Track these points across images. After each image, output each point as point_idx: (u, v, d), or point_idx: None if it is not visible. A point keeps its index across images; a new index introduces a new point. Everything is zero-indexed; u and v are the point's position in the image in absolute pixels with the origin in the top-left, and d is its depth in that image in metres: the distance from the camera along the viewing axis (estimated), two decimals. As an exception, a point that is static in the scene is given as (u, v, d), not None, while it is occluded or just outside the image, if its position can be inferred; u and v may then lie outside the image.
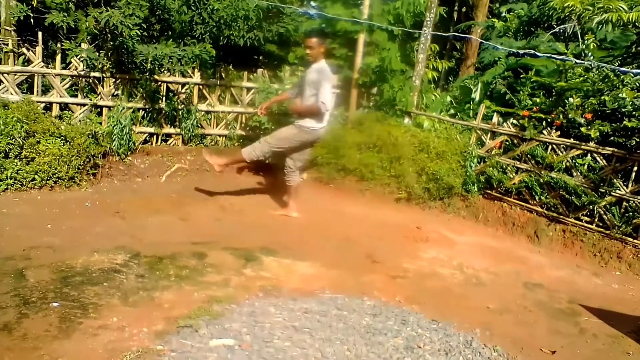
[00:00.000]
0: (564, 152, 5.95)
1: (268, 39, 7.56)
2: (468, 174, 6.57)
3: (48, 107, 6.27)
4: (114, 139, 6.32)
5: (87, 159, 5.82)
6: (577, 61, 6.55)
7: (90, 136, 5.91)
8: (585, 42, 7.55)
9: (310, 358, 2.93)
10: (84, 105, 6.44)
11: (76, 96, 6.47)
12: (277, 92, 6.93)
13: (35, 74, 6.18)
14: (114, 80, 6.57)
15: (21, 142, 5.34)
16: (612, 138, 5.66)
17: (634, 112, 5.58)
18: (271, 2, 7.12)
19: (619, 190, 5.49)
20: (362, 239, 5.22)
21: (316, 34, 5.40)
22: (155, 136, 7.04)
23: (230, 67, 7.39)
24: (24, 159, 5.38)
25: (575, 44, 8.10)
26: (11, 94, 5.98)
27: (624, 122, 5.54)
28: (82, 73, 6.35)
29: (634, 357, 3.55)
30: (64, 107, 6.41)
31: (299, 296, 3.73)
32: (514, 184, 6.28)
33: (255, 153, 5.32)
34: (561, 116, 6.19)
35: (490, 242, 5.81)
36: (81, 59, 6.27)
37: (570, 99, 6.23)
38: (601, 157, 5.66)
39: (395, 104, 7.61)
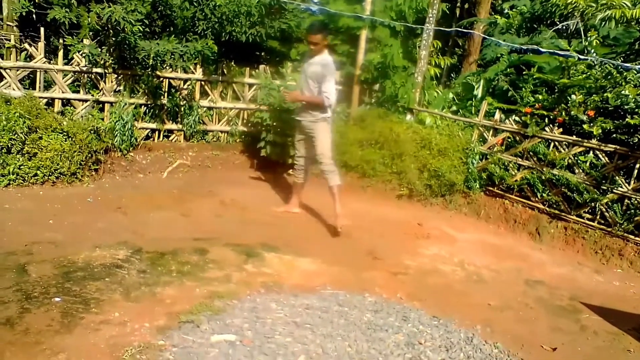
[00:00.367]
0: (566, 149, 5.94)
1: (270, 35, 7.55)
2: (470, 170, 6.57)
3: (50, 102, 6.28)
4: (116, 135, 6.32)
5: (89, 155, 5.83)
6: (581, 57, 6.53)
7: (92, 132, 5.92)
8: (588, 38, 7.53)
9: (311, 354, 2.94)
10: (86, 101, 6.44)
11: (78, 92, 6.47)
12: (279, 88, 6.91)
13: (38, 70, 6.18)
14: (116, 76, 6.56)
15: (23, 138, 5.35)
16: (614, 135, 5.65)
17: (636, 109, 5.56)
18: (273, -2, 7.12)
19: (621, 187, 5.48)
20: (363, 235, 5.22)
21: (318, 28, 5.34)
22: (157, 132, 7.04)
23: (232, 63, 7.38)
24: (26, 155, 5.38)
25: (578, 40, 8.07)
26: (13, 89, 5.99)
27: (627, 119, 5.53)
28: (84, 69, 6.35)
29: (634, 355, 3.56)
30: (66, 102, 6.41)
31: (301, 292, 3.74)
32: (516, 180, 6.27)
33: (335, 169, 5.23)
34: (563, 113, 6.17)
35: (491, 239, 5.81)
36: (83, 55, 6.27)
37: (573, 96, 6.22)
38: (603, 155, 5.65)
39: (397, 100, 7.61)
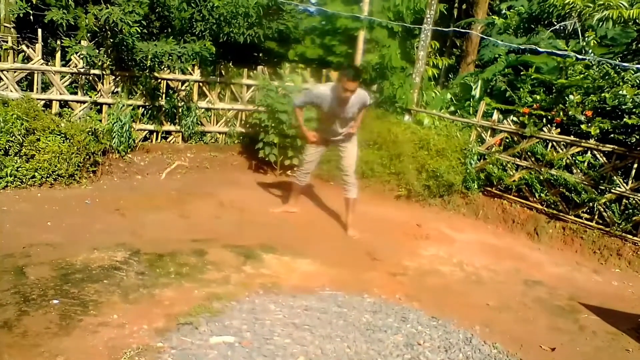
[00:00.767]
0: (564, 150, 5.95)
1: (268, 36, 7.56)
2: (468, 171, 6.57)
3: (48, 104, 6.26)
4: (114, 137, 6.32)
5: (87, 157, 5.82)
6: (578, 57, 6.55)
7: (90, 133, 5.91)
8: (586, 39, 7.55)
9: (310, 355, 2.94)
10: (84, 102, 6.43)
11: (76, 93, 6.46)
12: (277, 89, 6.91)
13: (35, 72, 6.17)
14: (113, 77, 6.56)
15: (21, 140, 5.34)
16: (612, 135, 5.67)
17: (634, 109, 5.58)
18: (271, -1, 7.12)
19: (619, 187, 5.49)
20: (362, 236, 5.22)
21: (355, 74, 4.75)
22: (155, 133, 7.04)
23: (230, 64, 7.38)
24: (23, 157, 5.38)
25: (575, 41, 8.10)
26: (11, 91, 5.97)
27: (624, 119, 5.54)
28: (82, 70, 6.34)
29: (633, 354, 3.56)
30: (64, 104, 6.41)
31: (299, 293, 3.73)
32: (514, 181, 6.28)
33: (357, 182, 5.40)
34: (561, 113, 6.19)
35: (490, 239, 5.81)
36: (81, 56, 6.27)
37: (571, 96, 6.23)
38: (601, 155, 5.66)
39: (395, 101, 7.62)
